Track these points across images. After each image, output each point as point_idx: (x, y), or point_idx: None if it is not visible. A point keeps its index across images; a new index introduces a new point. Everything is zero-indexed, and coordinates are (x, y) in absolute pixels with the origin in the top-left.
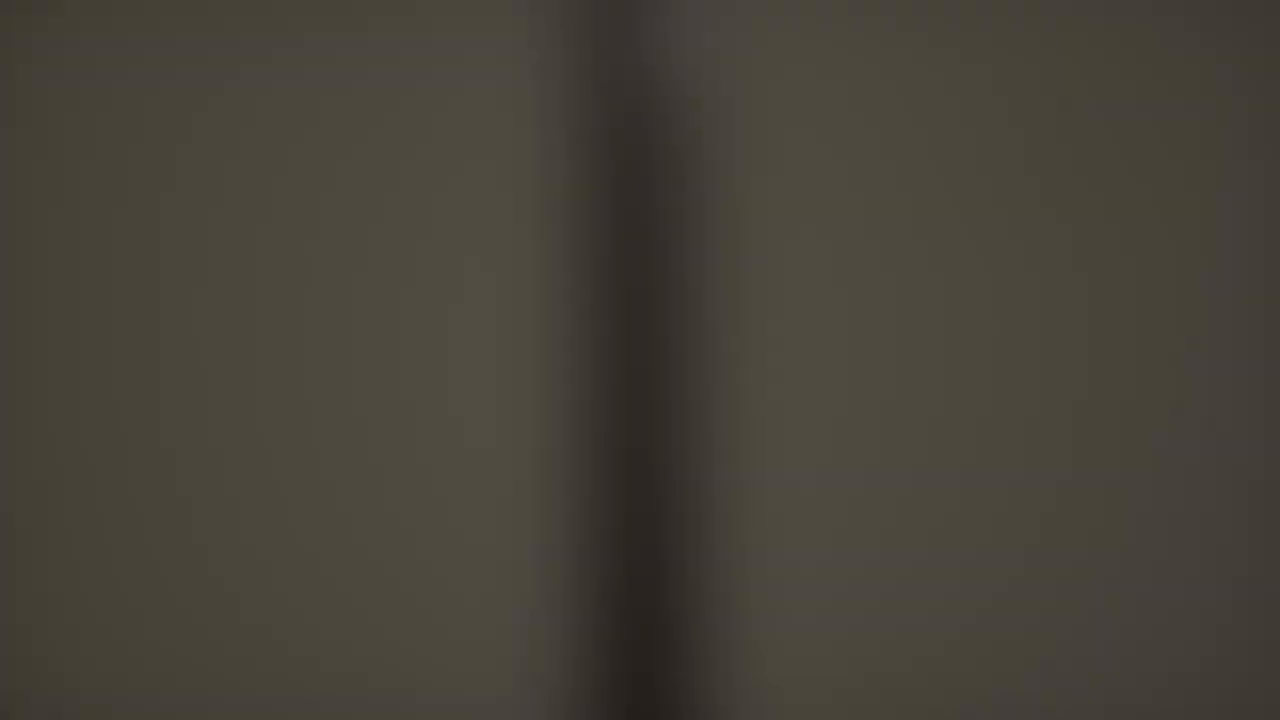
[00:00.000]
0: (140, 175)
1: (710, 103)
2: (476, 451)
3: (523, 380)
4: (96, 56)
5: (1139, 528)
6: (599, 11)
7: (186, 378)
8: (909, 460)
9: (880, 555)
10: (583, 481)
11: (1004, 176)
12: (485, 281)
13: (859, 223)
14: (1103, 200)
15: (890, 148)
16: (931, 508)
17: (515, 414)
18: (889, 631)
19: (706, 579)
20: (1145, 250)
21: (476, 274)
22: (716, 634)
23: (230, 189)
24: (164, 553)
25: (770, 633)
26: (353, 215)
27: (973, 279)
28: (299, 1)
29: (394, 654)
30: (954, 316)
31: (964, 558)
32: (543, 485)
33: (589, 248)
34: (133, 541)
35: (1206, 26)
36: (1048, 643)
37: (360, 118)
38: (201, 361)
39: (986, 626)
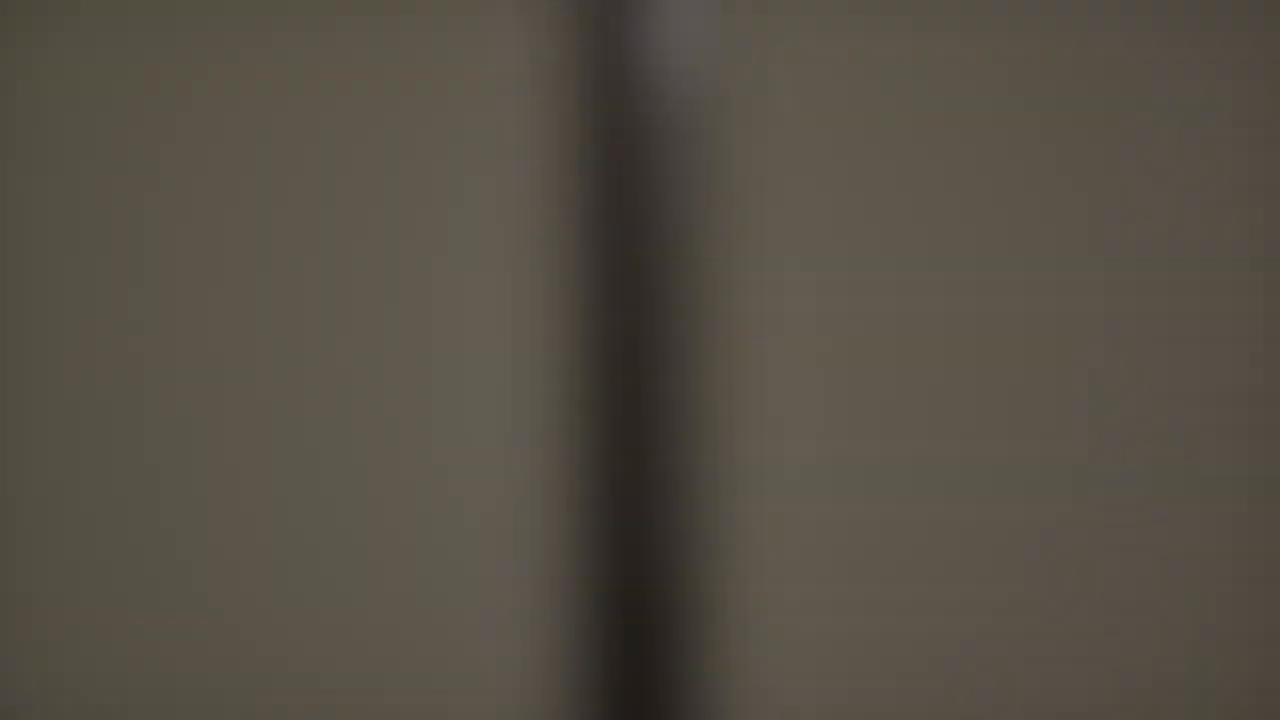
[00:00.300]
0: (136, 173)
1: (708, 97)
2: (472, 451)
3: (521, 381)
4: (95, 52)
5: (1141, 529)
6: (598, 7)
7: (182, 377)
8: (908, 462)
9: (878, 557)
10: (579, 484)
11: (1003, 173)
12: (483, 281)
13: (858, 218)
14: (1103, 198)
15: (889, 143)
16: (930, 510)
17: (513, 414)
18: (886, 636)
19: (704, 581)
20: (1146, 247)
21: (473, 274)
22: (713, 637)
23: (227, 185)
24: (157, 552)
25: (766, 637)
26: (350, 213)
27: (971, 276)
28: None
29: (390, 654)
30: (953, 314)
31: (963, 560)
32: (540, 487)
33: (587, 244)
34: (125, 543)
35: (1205, 23)
36: (1049, 647)
37: (359, 115)
38: (196, 360)
39: (985, 630)
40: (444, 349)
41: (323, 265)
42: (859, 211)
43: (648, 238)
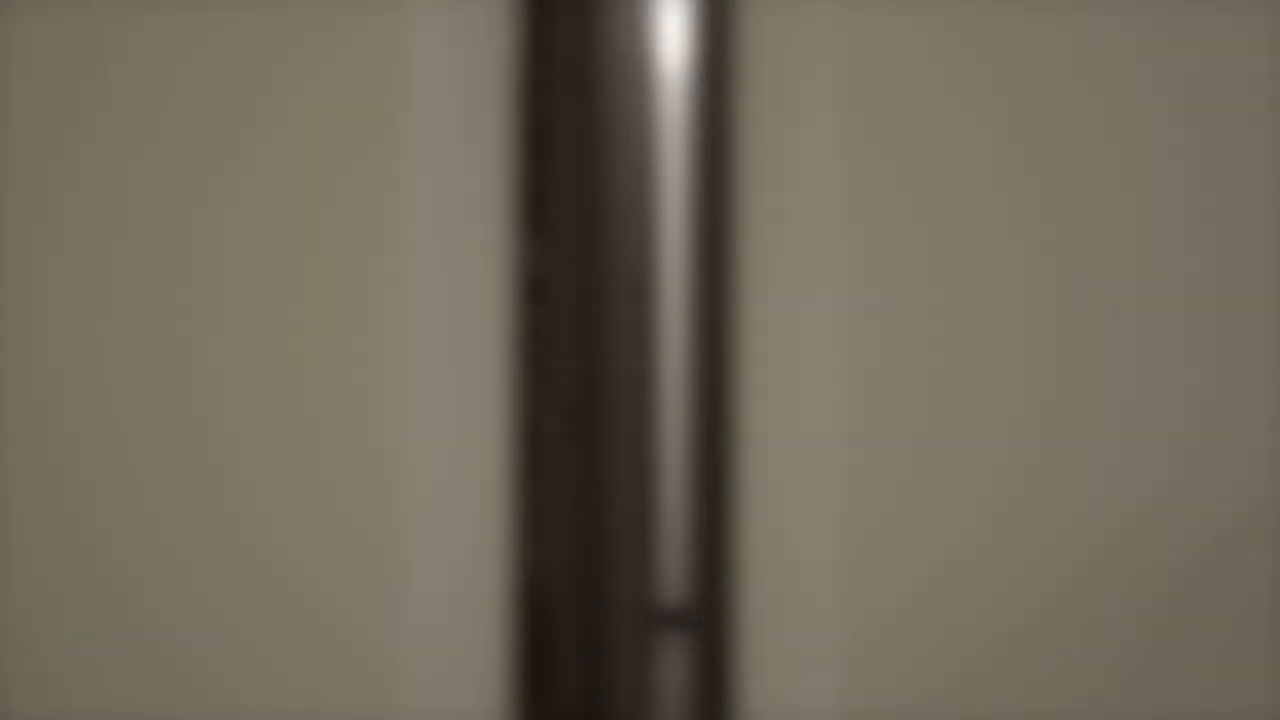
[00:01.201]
0: (87, 156)
1: (698, 86)
2: (446, 448)
3: (503, 384)
4: (59, 30)
5: (1157, 528)
6: None
7: (132, 372)
8: (907, 460)
9: (877, 555)
10: (558, 482)
11: (1007, 163)
12: (465, 278)
13: (854, 208)
14: (1110, 187)
15: (884, 128)
16: (929, 507)
17: (493, 412)
18: (885, 640)
19: (698, 579)
20: (1157, 241)
21: (454, 271)
22: (707, 639)
23: (181, 169)
24: (128, 548)
25: (762, 638)
26: (316, 197)
27: (972, 271)
28: None
29: (353, 661)
30: (958, 305)
31: (962, 561)
32: (531, 488)
33: (569, 236)
34: (91, 542)
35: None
36: (1055, 651)
37: (334, 98)
38: (147, 353)
39: (986, 632)
40: (409, 344)
41: (289, 250)
42: (855, 205)
43: (634, 226)
